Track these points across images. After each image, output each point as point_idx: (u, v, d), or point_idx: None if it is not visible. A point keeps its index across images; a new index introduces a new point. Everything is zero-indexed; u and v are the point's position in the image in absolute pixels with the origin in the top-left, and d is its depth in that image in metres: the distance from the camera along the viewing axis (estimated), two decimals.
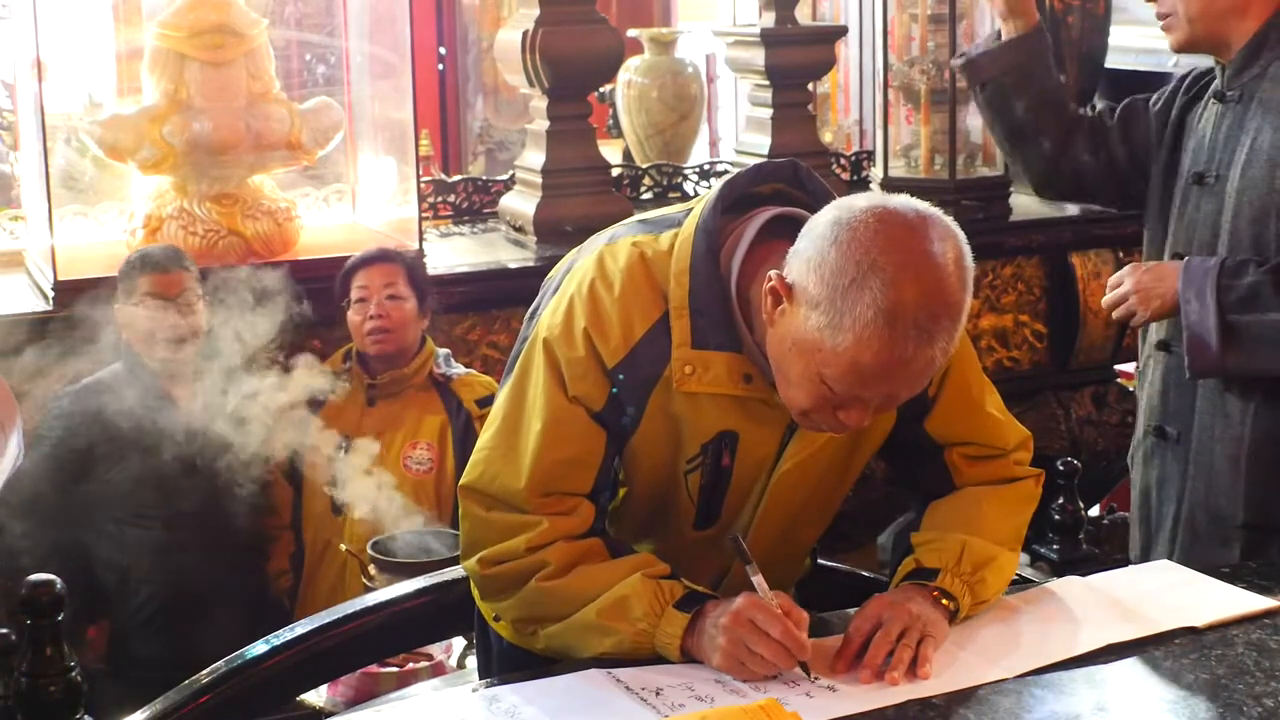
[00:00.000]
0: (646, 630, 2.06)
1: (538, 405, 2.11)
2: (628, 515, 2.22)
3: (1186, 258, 2.78)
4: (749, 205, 2.11)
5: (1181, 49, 2.91)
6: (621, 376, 2.08)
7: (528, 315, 2.26)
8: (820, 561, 2.55)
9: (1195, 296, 2.71)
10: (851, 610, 2.15)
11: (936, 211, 1.95)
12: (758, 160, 2.23)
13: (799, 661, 2.02)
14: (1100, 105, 3.28)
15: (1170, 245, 2.91)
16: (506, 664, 2.29)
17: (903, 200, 1.95)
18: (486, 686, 2.07)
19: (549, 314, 2.14)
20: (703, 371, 2.06)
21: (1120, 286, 2.85)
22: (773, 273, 1.96)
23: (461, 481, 2.18)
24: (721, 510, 2.19)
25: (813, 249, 1.92)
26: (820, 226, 1.93)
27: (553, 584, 2.10)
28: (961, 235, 1.94)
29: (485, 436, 2.18)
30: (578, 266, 2.17)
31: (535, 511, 2.11)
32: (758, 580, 2.06)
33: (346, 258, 4.21)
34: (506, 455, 2.13)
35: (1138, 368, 3.06)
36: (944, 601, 2.13)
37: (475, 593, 2.31)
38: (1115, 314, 2.89)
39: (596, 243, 2.19)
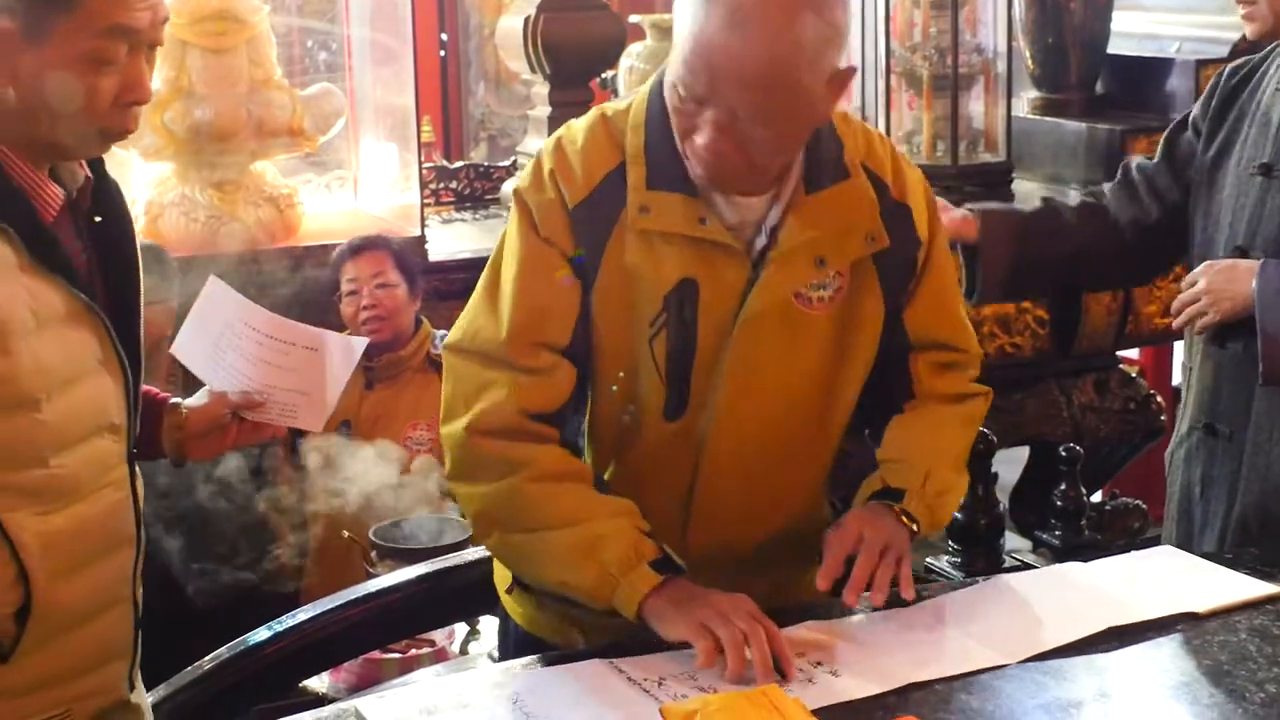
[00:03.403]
0: (613, 577, 2.03)
1: (513, 251, 2.14)
2: (600, 415, 2.20)
3: (1263, 260, 2.65)
4: None
5: (1260, 39, 2.84)
6: (581, 217, 2.10)
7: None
8: None
9: (1273, 301, 2.61)
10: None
11: None
12: None
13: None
14: (1111, 186, 3.00)
15: (1229, 239, 2.76)
16: (522, 647, 2.28)
17: None
18: (488, 674, 2.07)
19: (520, 173, 2.22)
20: (657, 211, 2.08)
21: (1195, 286, 2.71)
22: None
23: (445, 342, 2.20)
24: (690, 388, 2.15)
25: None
26: None
27: (534, 488, 2.08)
28: None
29: (470, 301, 2.20)
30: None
31: (516, 363, 2.10)
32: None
33: None
34: (488, 310, 2.14)
35: (1184, 364, 2.95)
36: (907, 521, 2.16)
37: (468, 519, 2.26)
38: (1182, 317, 2.74)
39: None
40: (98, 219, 2.07)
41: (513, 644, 2.36)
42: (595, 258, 2.11)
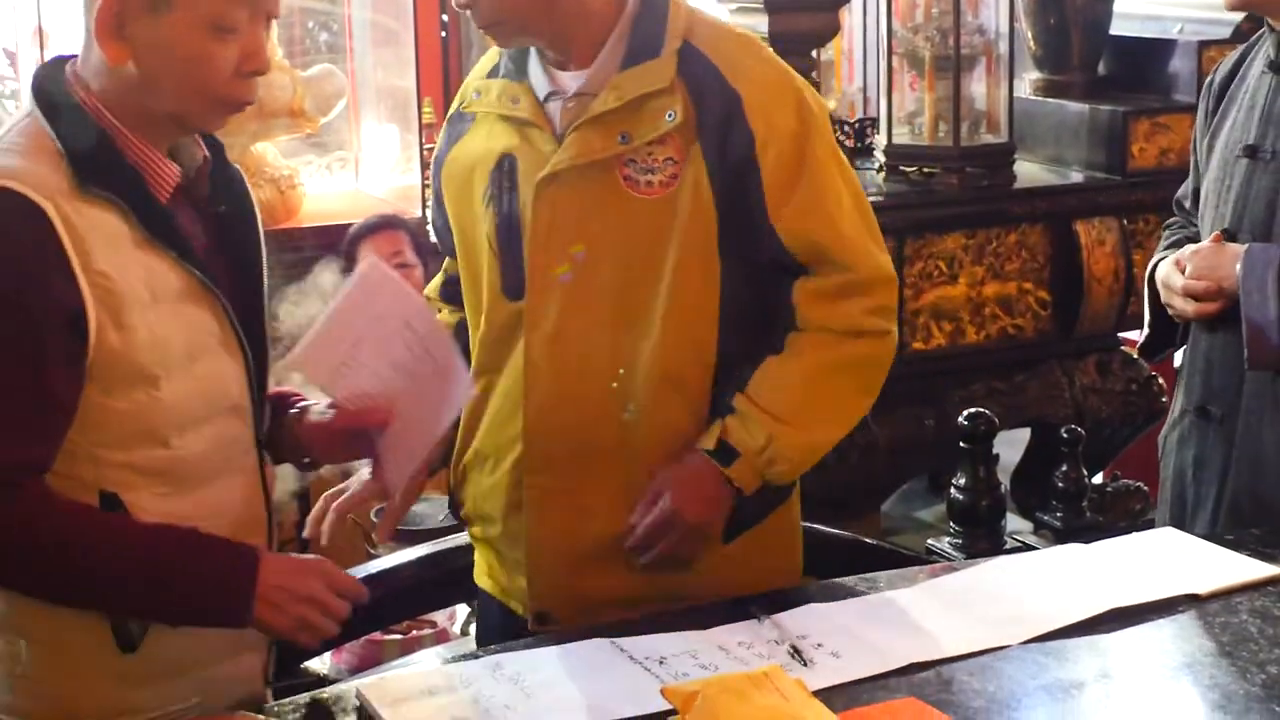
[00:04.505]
0: None
1: None
2: (466, 302, 2.36)
3: (1248, 245, 2.62)
4: None
5: (1236, 9, 2.81)
6: (453, 118, 2.35)
7: None
8: (820, 528, 2.54)
9: (1256, 287, 2.56)
10: (850, 579, 2.18)
11: None
12: None
13: (791, 647, 2.01)
14: (1181, 213, 2.98)
15: (1216, 222, 2.74)
16: (485, 635, 2.38)
17: None
18: (492, 654, 2.07)
19: None
20: (484, 95, 2.29)
21: (1184, 270, 2.65)
22: None
23: None
24: (523, 265, 2.21)
25: None
26: None
27: None
28: None
29: None
30: None
31: None
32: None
33: (350, 225, 4.21)
34: None
35: (1185, 349, 2.92)
36: (729, 486, 2.18)
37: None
38: (1194, 308, 2.67)
39: None
40: (221, 208, 2.05)
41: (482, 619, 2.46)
42: (450, 144, 2.33)
